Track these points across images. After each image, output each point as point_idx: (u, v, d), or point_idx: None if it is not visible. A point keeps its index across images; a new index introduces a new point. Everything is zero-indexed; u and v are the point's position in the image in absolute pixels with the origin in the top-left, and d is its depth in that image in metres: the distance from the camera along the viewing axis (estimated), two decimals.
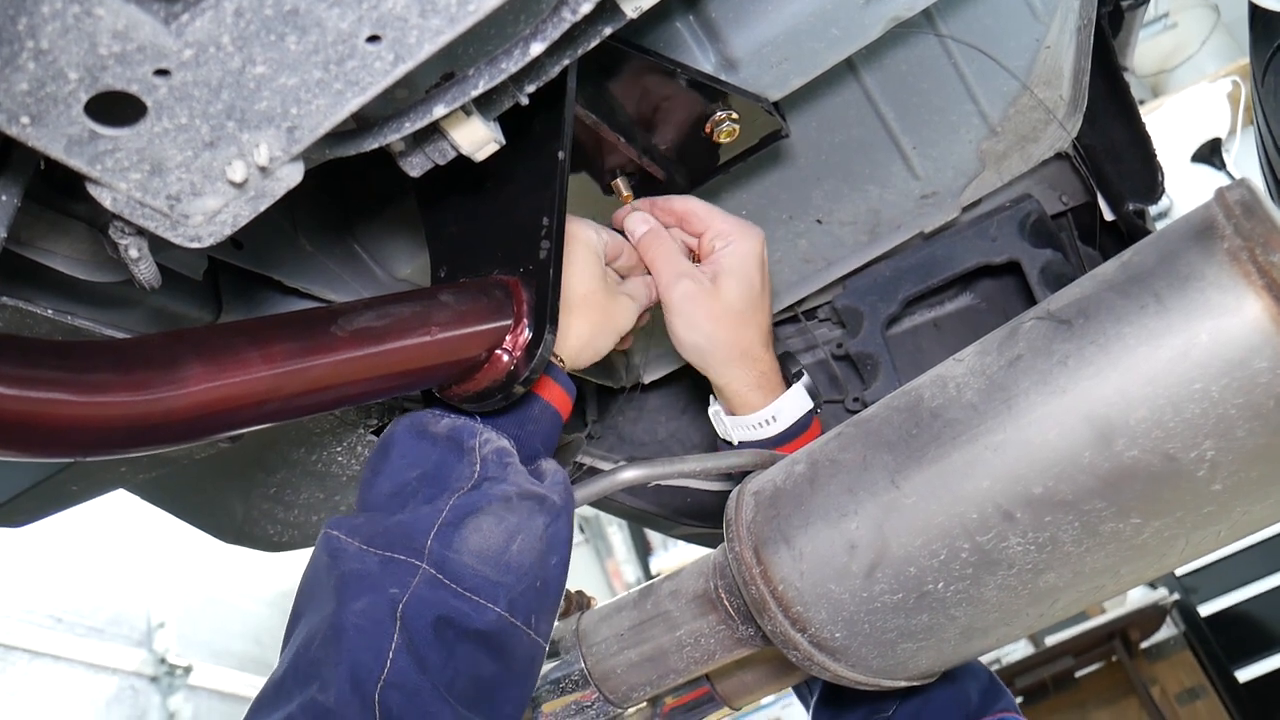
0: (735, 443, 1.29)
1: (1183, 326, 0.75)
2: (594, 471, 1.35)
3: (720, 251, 1.22)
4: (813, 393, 1.27)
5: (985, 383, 0.85)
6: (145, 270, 0.78)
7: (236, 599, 4.73)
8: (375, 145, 0.80)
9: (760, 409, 1.25)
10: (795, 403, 1.25)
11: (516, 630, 0.93)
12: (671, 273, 1.20)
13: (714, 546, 1.08)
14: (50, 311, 0.93)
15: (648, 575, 6.60)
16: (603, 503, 1.68)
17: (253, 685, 4.39)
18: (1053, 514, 0.80)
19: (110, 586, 4.07)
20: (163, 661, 4.08)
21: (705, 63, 1.13)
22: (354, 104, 0.70)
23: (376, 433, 1.41)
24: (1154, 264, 0.79)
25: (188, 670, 4.14)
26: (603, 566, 7.01)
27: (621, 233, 1.23)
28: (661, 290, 1.21)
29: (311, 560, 0.95)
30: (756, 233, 1.24)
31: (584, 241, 1.11)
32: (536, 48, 0.76)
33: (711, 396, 1.32)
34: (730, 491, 1.04)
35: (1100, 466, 0.78)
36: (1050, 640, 4.42)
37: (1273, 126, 1.62)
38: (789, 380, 1.28)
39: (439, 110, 0.79)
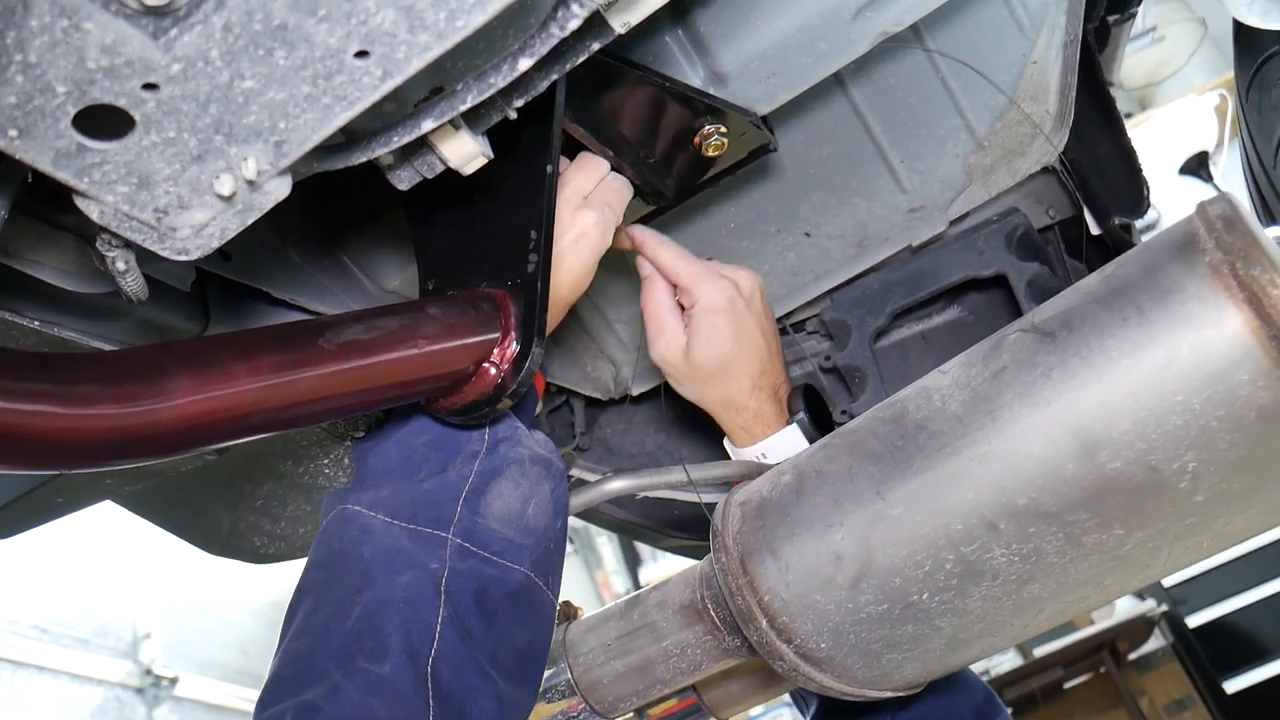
0: None
1: (1164, 339, 0.75)
2: (581, 483, 1.35)
3: (691, 311, 1.27)
4: (809, 435, 1.30)
5: (970, 395, 0.85)
6: (132, 282, 0.78)
7: (223, 610, 4.71)
8: (363, 159, 0.80)
9: (749, 446, 1.31)
10: (786, 443, 1.29)
11: (540, 589, 0.96)
12: (654, 329, 1.29)
13: (702, 559, 1.09)
14: (37, 323, 0.93)
15: (637, 586, 6.59)
16: (591, 515, 1.68)
17: (239, 696, 4.37)
18: (1036, 525, 0.81)
19: (96, 597, 4.05)
20: (148, 672, 4.06)
21: (694, 77, 1.14)
22: (342, 118, 0.70)
23: None
24: (1136, 277, 0.80)
25: (174, 681, 4.11)
26: (592, 577, 7.00)
27: None
28: (648, 341, 1.30)
29: (328, 538, 0.95)
30: (720, 286, 1.26)
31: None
32: (525, 63, 0.76)
33: None
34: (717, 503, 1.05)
35: (1083, 478, 0.78)
36: (1039, 651, 4.42)
37: (1257, 141, 1.63)
38: (791, 414, 1.32)
39: (427, 124, 0.79)
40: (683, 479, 1.12)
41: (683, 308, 1.28)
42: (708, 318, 1.25)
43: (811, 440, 1.29)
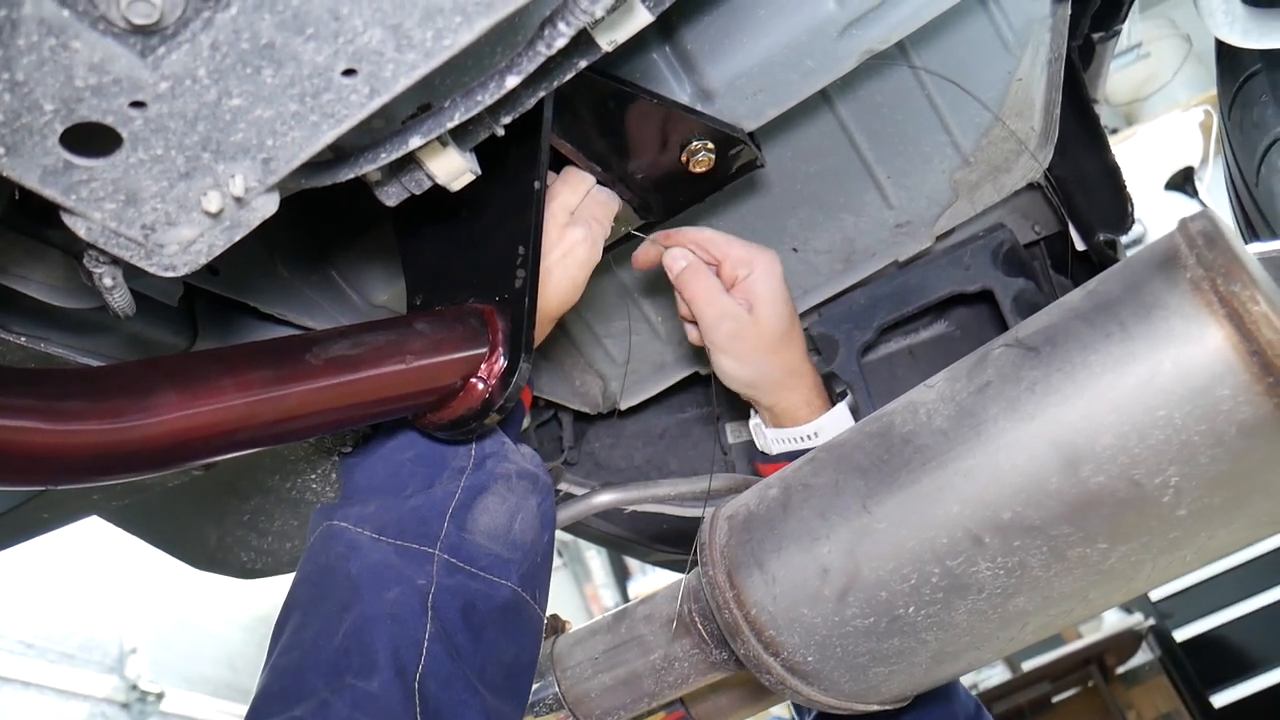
0: (773, 454, 1.32)
1: (1147, 354, 0.76)
2: (570, 498, 1.35)
3: (747, 280, 1.24)
4: (855, 411, 1.30)
5: (955, 409, 0.86)
6: (120, 298, 0.78)
7: (210, 624, 4.69)
8: (351, 175, 0.80)
9: (806, 423, 1.28)
10: (838, 420, 1.29)
11: (528, 604, 0.96)
12: (714, 313, 1.23)
13: (689, 572, 1.09)
14: (23, 338, 0.93)
15: (626, 600, 6.57)
16: (579, 529, 1.68)
17: (225, 711, 4.35)
18: (1021, 539, 0.81)
19: (82, 612, 4.03)
20: (135, 688, 4.04)
21: (681, 93, 1.15)
22: (330, 136, 0.70)
23: None
24: (1119, 293, 0.80)
25: (160, 696, 4.09)
26: (581, 591, 6.99)
27: None
28: (706, 331, 1.24)
29: (315, 553, 0.95)
30: (771, 252, 1.26)
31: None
32: (512, 80, 0.76)
33: (751, 410, 1.35)
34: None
35: (1067, 492, 0.79)
36: (1027, 665, 4.43)
37: (1239, 158, 1.64)
38: (834, 397, 1.31)
39: (415, 141, 0.79)
40: (670, 492, 1.12)
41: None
42: (770, 280, 1.24)
43: (857, 420, 1.29)
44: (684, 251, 1.25)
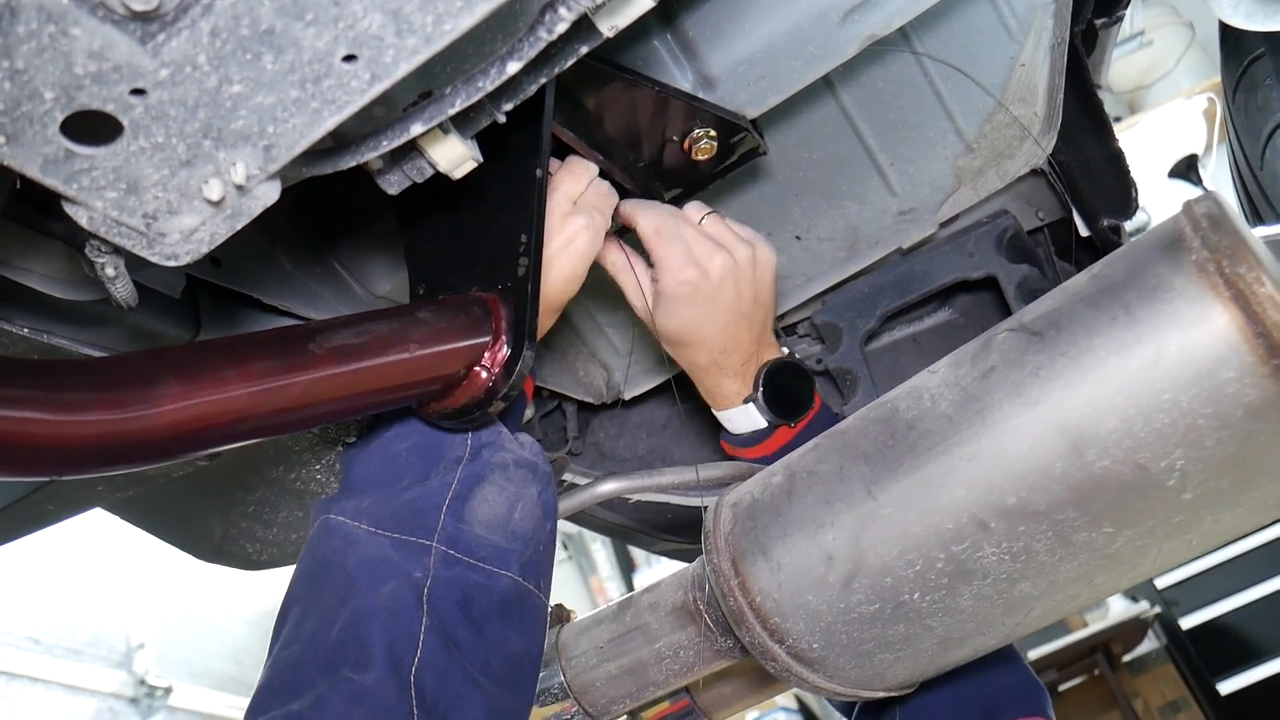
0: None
1: (1152, 337, 0.76)
2: (574, 488, 1.35)
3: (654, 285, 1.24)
4: (767, 417, 1.30)
5: (959, 394, 0.85)
6: (122, 289, 0.78)
7: (216, 619, 4.70)
8: (353, 163, 0.80)
9: (719, 410, 1.32)
10: (745, 417, 1.31)
11: (531, 593, 0.96)
12: (628, 284, 1.25)
13: (694, 561, 1.09)
14: (26, 330, 0.93)
15: (631, 592, 6.55)
16: (584, 519, 1.68)
17: (233, 706, 4.36)
18: (1026, 524, 0.81)
19: (89, 607, 4.04)
20: (142, 683, 4.05)
21: (683, 81, 1.14)
22: (331, 122, 0.70)
23: None
24: (1123, 276, 0.80)
25: (167, 691, 4.10)
26: (586, 583, 6.98)
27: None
28: (661, 272, 1.20)
29: (314, 548, 0.95)
30: (685, 278, 1.20)
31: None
32: (513, 66, 0.76)
33: None
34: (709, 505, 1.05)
35: (1072, 476, 0.78)
36: (1033, 654, 4.43)
37: (1244, 142, 1.64)
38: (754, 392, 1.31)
39: (416, 128, 0.79)
40: (674, 480, 1.12)
41: None
42: (664, 302, 1.21)
43: (770, 420, 1.30)
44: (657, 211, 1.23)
